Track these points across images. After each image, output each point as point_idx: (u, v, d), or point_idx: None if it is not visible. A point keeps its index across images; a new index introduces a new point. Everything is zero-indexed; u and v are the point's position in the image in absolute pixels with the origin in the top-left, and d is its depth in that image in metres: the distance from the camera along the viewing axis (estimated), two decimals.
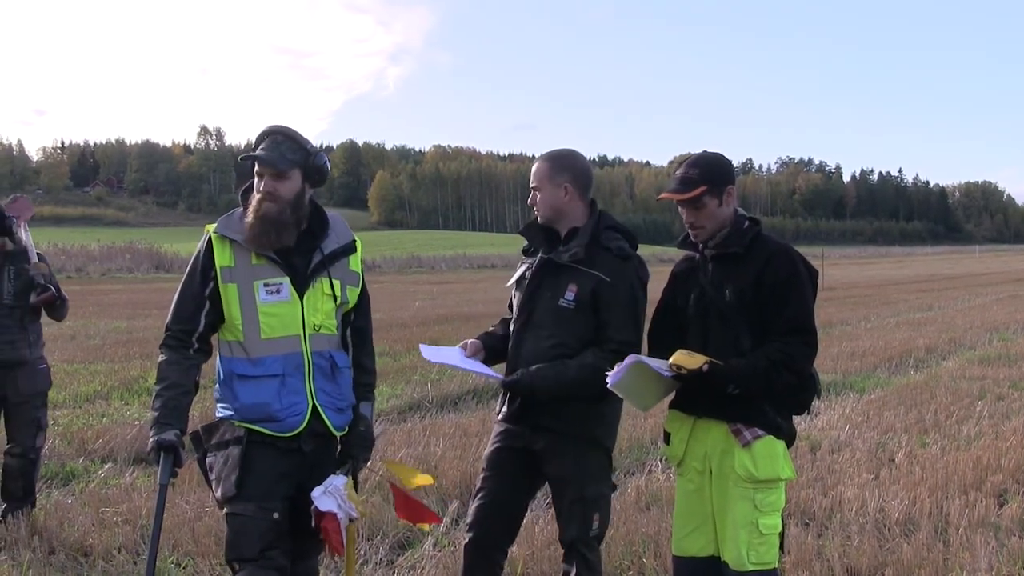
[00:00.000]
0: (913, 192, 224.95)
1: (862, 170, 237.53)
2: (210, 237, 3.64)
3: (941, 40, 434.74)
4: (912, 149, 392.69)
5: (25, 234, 6.14)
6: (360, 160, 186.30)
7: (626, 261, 3.99)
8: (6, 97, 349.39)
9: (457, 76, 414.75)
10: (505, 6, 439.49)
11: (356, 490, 3.77)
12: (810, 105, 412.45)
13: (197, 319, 3.64)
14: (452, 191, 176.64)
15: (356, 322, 3.89)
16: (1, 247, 6.05)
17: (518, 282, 4.17)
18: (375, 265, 58.27)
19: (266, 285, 3.59)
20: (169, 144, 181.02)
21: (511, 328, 4.15)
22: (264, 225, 3.56)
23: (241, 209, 3.67)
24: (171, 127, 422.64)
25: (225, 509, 3.57)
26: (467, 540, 4.13)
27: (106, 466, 7.51)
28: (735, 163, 4.40)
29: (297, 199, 3.62)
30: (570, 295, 3.96)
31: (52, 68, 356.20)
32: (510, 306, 4.27)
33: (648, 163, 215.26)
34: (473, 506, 4.15)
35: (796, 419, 3.88)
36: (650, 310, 4.02)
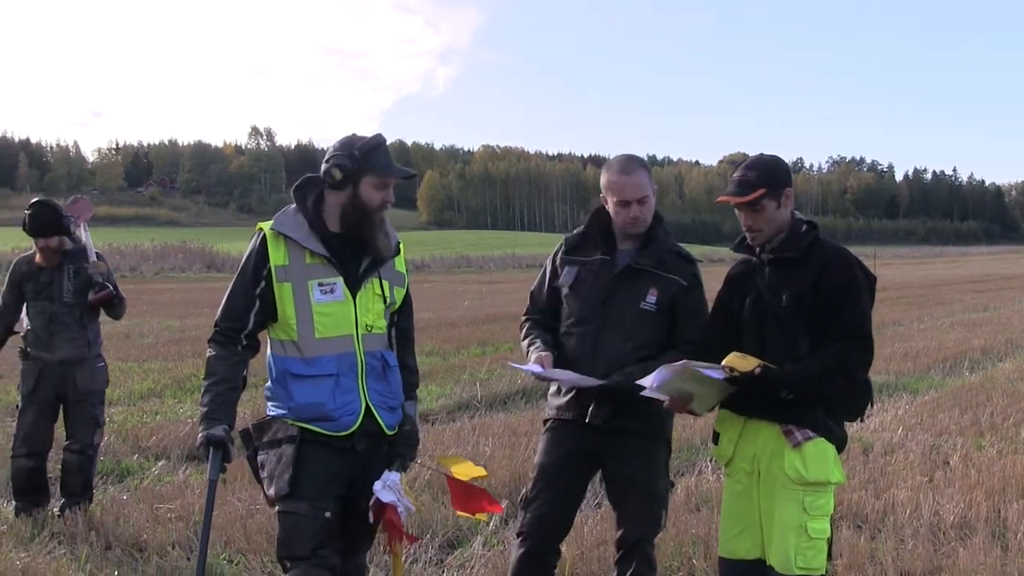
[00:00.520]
0: (968, 191, 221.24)
1: (915, 169, 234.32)
2: (264, 235, 3.65)
3: (996, 36, 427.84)
4: (967, 148, 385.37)
5: (84, 234, 6.26)
6: (409, 160, 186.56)
7: (693, 264, 4.12)
8: (65, 99, 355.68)
9: (505, 75, 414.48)
10: (553, 5, 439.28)
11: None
12: (862, 104, 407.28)
13: (247, 317, 3.66)
14: (501, 191, 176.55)
15: (400, 322, 3.92)
16: (60, 247, 6.16)
17: (573, 285, 4.14)
18: (424, 265, 58.48)
19: (320, 284, 3.61)
20: (220, 144, 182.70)
21: (572, 331, 4.11)
22: (374, 227, 3.65)
23: (294, 206, 3.70)
24: (222, 128, 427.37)
25: (277, 507, 3.60)
26: (522, 551, 4.10)
27: (160, 463, 7.61)
28: None
29: None
30: (651, 299, 4.01)
31: (109, 70, 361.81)
32: (539, 307, 4.28)
33: (697, 162, 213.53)
34: (528, 516, 4.12)
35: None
36: None
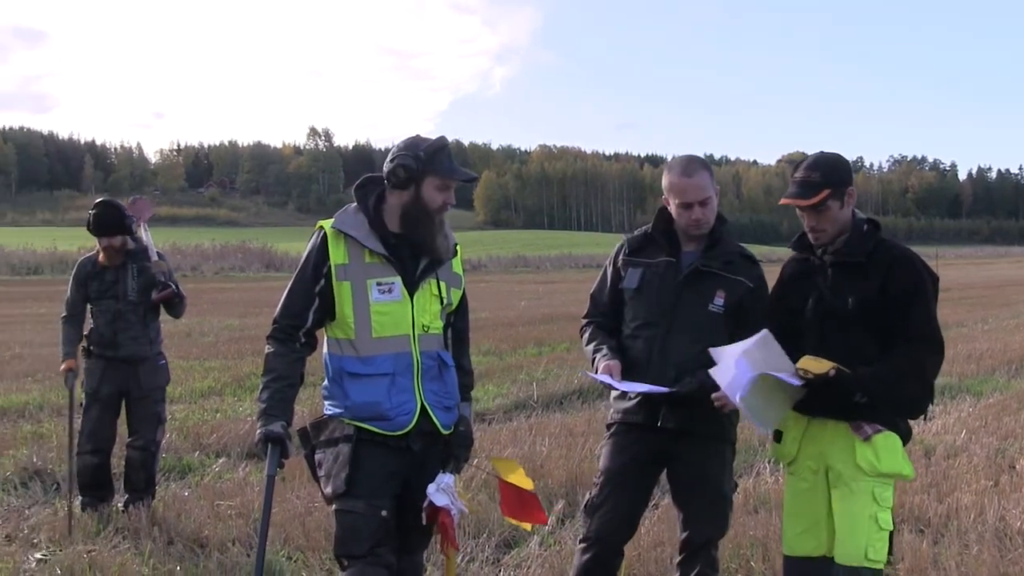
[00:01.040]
0: None
1: (979, 168, 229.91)
2: (324, 233, 3.67)
3: None
4: None
5: (145, 234, 6.36)
6: (467, 160, 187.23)
7: (757, 265, 4.11)
8: (128, 101, 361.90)
9: (562, 75, 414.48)
10: (610, 4, 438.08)
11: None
12: (923, 102, 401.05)
13: (305, 315, 3.68)
14: (557, 191, 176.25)
15: (456, 323, 3.92)
16: (123, 246, 6.27)
17: (638, 287, 4.10)
18: (481, 264, 58.67)
19: (379, 284, 3.62)
20: (279, 145, 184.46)
21: (639, 333, 4.08)
22: (434, 228, 3.66)
23: (355, 205, 3.72)
24: (281, 128, 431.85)
25: (334, 506, 3.62)
26: (588, 556, 4.07)
27: (220, 460, 7.72)
28: None
29: None
30: (719, 301, 4.00)
31: (170, 72, 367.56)
32: (601, 309, 4.26)
33: (755, 162, 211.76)
34: (595, 522, 4.08)
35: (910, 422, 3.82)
36: None
